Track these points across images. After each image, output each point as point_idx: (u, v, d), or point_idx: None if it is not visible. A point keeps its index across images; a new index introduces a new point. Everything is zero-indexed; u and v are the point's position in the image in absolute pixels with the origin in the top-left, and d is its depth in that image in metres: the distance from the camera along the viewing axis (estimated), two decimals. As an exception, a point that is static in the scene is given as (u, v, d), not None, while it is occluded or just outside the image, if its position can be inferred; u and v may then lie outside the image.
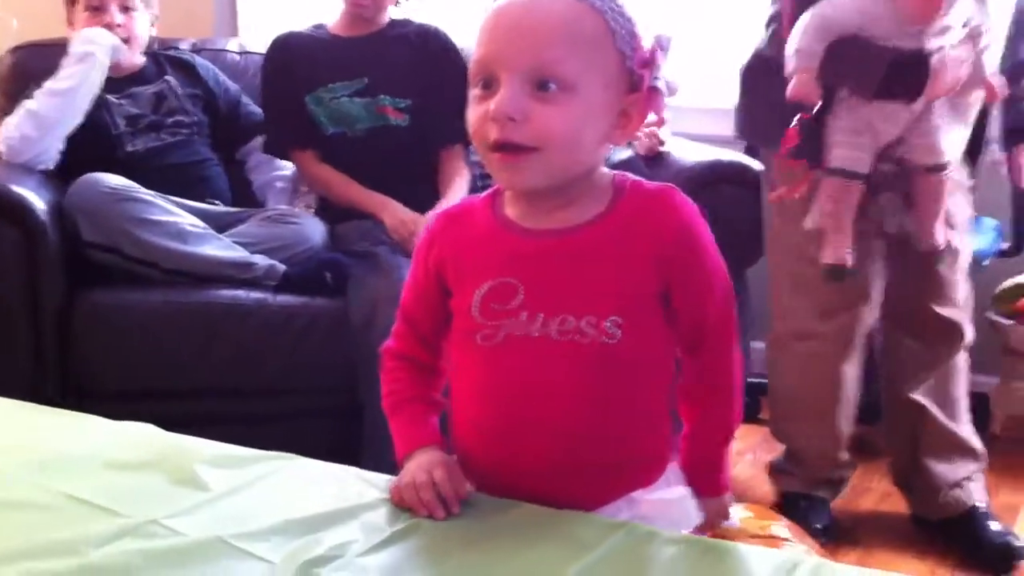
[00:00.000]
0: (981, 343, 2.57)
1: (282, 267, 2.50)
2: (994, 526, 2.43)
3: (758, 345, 2.66)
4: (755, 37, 2.53)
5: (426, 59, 2.70)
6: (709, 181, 2.62)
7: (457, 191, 2.63)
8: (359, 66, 2.67)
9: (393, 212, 2.56)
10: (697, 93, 3.18)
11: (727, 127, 2.87)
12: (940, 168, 2.18)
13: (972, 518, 2.44)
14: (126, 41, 2.75)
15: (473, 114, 1.19)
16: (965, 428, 2.49)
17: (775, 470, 2.59)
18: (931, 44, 2.07)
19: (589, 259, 1.20)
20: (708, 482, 1.31)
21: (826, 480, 2.54)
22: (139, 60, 2.83)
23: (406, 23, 2.75)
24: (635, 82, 1.20)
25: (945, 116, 2.17)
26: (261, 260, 2.50)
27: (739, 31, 3.11)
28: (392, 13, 2.76)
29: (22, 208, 2.40)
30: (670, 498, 1.27)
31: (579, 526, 1.16)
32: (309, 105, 2.67)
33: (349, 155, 2.65)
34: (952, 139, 2.20)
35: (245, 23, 3.62)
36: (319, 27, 2.76)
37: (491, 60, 1.17)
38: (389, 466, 1.32)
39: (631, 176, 1.25)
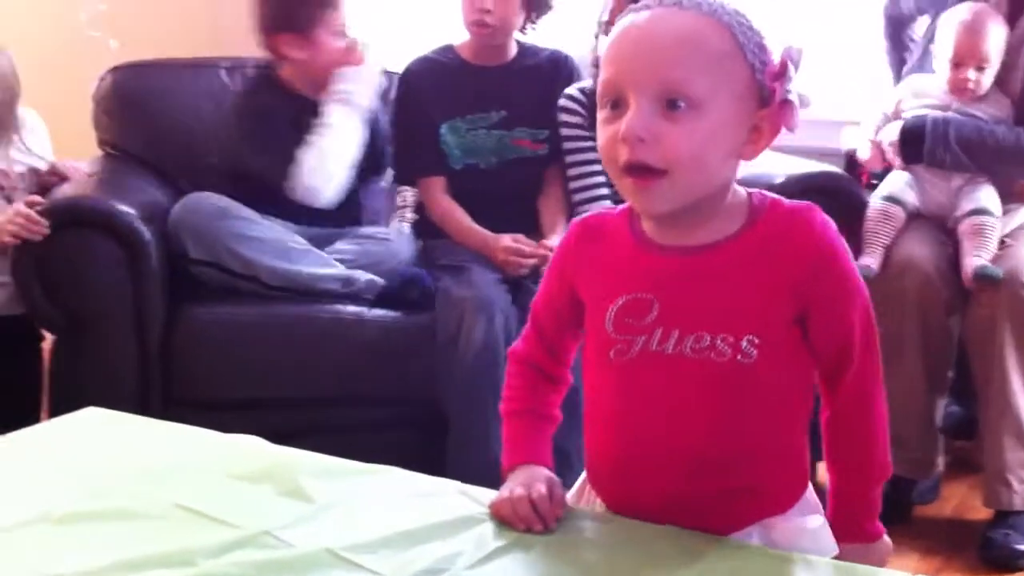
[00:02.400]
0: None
1: (381, 282, 2.53)
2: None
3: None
4: (846, 50, 2.63)
5: (559, 88, 2.68)
6: (800, 194, 2.57)
7: (550, 205, 2.64)
8: (496, 99, 2.67)
9: (495, 244, 2.56)
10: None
11: (819, 139, 2.85)
12: (978, 212, 2.50)
13: None
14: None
15: (603, 136, 1.17)
16: None
17: None
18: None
19: (726, 277, 1.18)
20: (856, 526, 1.25)
21: None
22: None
23: (536, 51, 2.73)
24: (766, 96, 1.18)
25: (987, 191, 2.54)
26: (361, 274, 2.53)
27: (828, 40, 3.09)
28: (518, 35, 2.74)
29: (127, 226, 2.46)
30: (805, 527, 1.23)
31: (693, 543, 1.16)
32: (444, 135, 2.68)
33: (479, 186, 2.66)
34: (991, 196, 2.54)
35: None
36: (447, 50, 2.75)
37: (619, 80, 1.16)
38: (473, 479, 1.33)
39: (769, 194, 1.23)
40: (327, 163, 2.60)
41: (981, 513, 2.54)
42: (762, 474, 1.22)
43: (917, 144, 2.55)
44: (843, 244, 1.20)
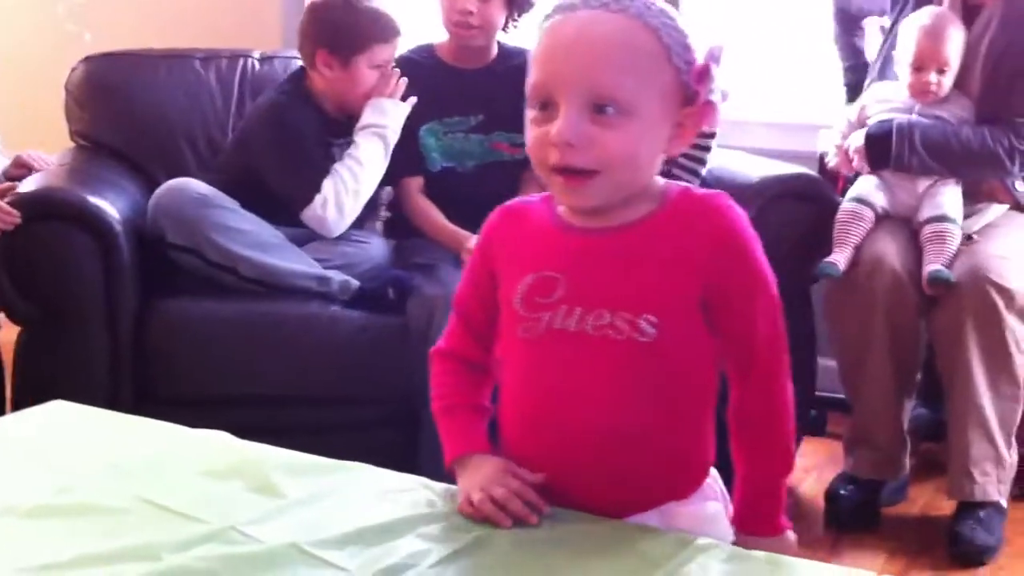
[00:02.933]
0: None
1: (356, 283, 2.53)
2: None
3: (825, 362, 2.65)
4: (820, 55, 2.64)
5: None
6: (777, 195, 2.60)
7: None
8: (475, 102, 2.66)
9: (464, 244, 2.56)
10: (763, 108, 3.18)
11: (793, 142, 2.87)
12: (939, 219, 2.54)
13: None
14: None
15: (531, 135, 1.20)
16: None
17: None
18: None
19: (630, 257, 1.21)
20: (763, 520, 1.25)
21: None
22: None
23: (517, 53, 2.70)
24: (690, 95, 1.21)
25: (950, 194, 2.58)
26: (336, 275, 2.53)
27: (804, 47, 3.11)
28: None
29: (97, 217, 2.44)
30: (704, 514, 1.26)
31: (648, 541, 1.16)
32: (423, 137, 2.67)
33: (457, 189, 2.66)
34: (953, 200, 2.58)
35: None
36: (426, 50, 2.73)
37: (548, 84, 1.18)
38: (444, 476, 1.33)
39: (683, 183, 1.26)
40: (347, 198, 2.58)
41: (948, 513, 2.56)
42: (664, 455, 1.23)
43: (883, 149, 2.58)
44: (753, 235, 1.22)
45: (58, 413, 1.52)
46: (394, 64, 2.66)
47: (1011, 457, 2.49)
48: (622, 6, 1.18)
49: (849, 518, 2.56)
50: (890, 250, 2.53)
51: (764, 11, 3.29)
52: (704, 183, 2.58)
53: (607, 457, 1.21)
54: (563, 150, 1.16)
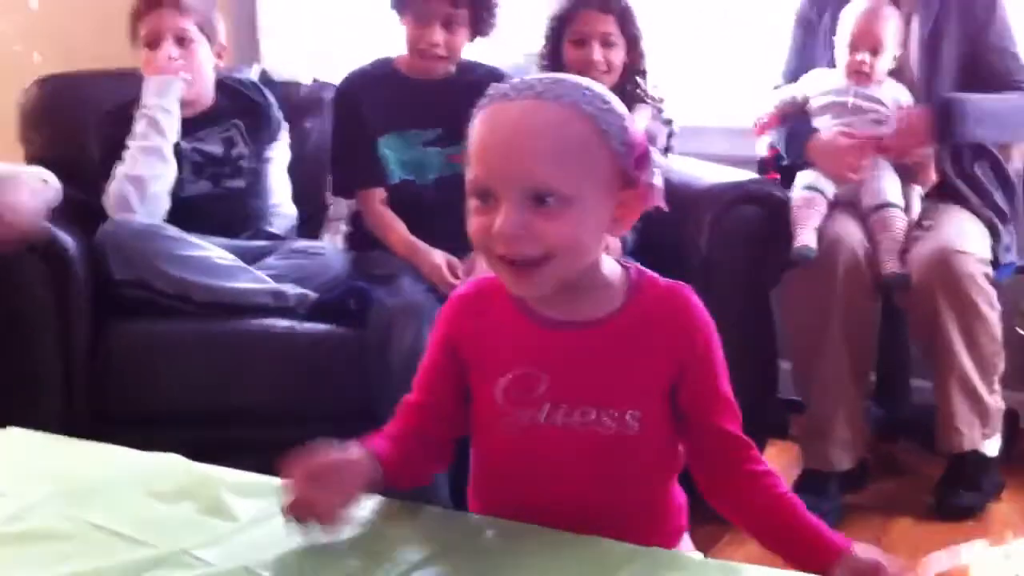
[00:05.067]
0: (1010, 358, 2.62)
1: (313, 295, 2.52)
2: None
3: (786, 365, 2.67)
4: (775, 58, 2.66)
5: None
6: (732, 201, 2.62)
7: None
8: (434, 115, 2.64)
9: (425, 258, 2.56)
10: (716, 113, 3.20)
11: (744, 147, 2.90)
12: (883, 206, 2.62)
13: None
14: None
15: (473, 225, 1.21)
16: None
17: None
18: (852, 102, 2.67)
19: (609, 353, 1.24)
20: (827, 546, 1.21)
21: None
22: (207, 97, 2.77)
23: (475, 67, 2.70)
24: (629, 178, 1.22)
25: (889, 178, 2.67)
26: (292, 289, 2.52)
27: (758, 52, 3.13)
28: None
29: (52, 244, 2.42)
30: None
31: (602, 550, 1.17)
32: (381, 149, 2.66)
33: (416, 202, 2.64)
34: (892, 185, 2.66)
35: (268, 48, 3.64)
36: (385, 63, 2.72)
37: (487, 179, 1.19)
38: (401, 493, 1.32)
39: (643, 270, 1.29)
40: (125, 184, 2.60)
41: (908, 511, 2.59)
42: (641, 527, 1.26)
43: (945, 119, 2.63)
44: (712, 323, 1.27)
45: (9, 440, 1.51)
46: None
47: (996, 403, 2.60)
48: (556, 95, 1.19)
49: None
50: (846, 231, 2.60)
51: (714, 15, 3.31)
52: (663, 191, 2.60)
53: (586, 529, 1.22)
54: (507, 243, 1.17)
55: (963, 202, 2.72)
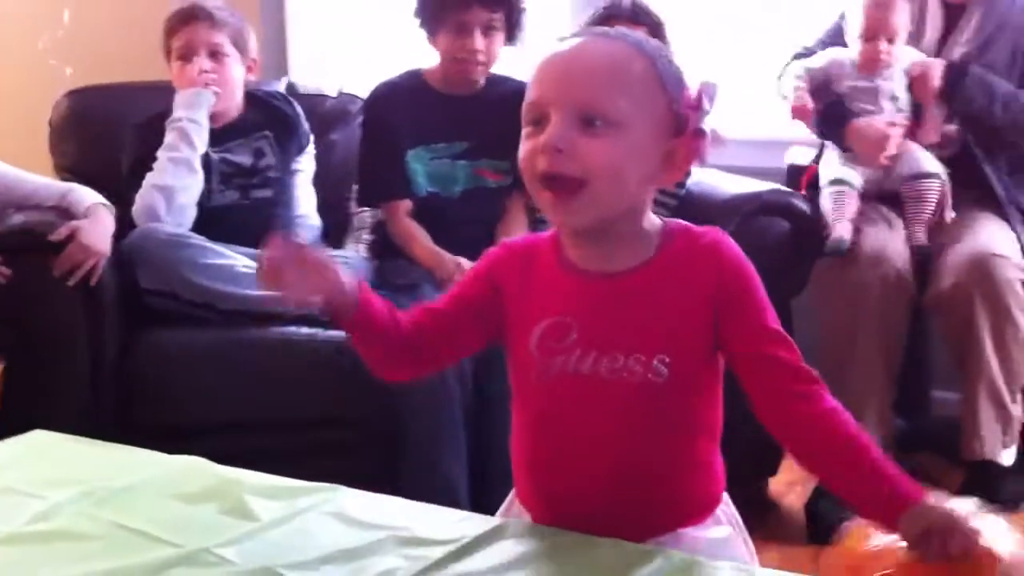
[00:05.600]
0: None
1: (335, 302, 2.54)
2: None
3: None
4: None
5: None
6: (752, 212, 2.63)
7: (511, 231, 2.65)
8: (462, 129, 2.67)
9: (448, 266, 2.57)
10: (737, 125, 3.20)
11: (766, 158, 2.90)
12: (919, 176, 2.66)
13: None
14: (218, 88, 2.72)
15: (523, 149, 1.23)
16: None
17: None
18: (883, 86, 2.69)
19: (639, 300, 1.24)
20: (897, 493, 1.14)
21: None
22: (237, 109, 2.80)
23: (505, 81, 2.71)
24: (681, 126, 1.24)
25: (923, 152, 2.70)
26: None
27: (779, 62, 3.13)
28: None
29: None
30: (718, 537, 1.28)
31: (616, 553, 1.18)
32: (409, 162, 2.68)
33: (442, 214, 2.66)
34: (927, 157, 2.69)
35: (295, 60, 3.68)
36: (415, 76, 2.74)
37: (542, 99, 1.22)
38: (425, 498, 1.35)
39: (681, 221, 1.29)
40: (154, 193, 2.64)
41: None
42: (677, 486, 1.27)
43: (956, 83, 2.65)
44: (750, 264, 1.26)
45: (36, 442, 1.54)
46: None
47: (1017, 412, 2.59)
48: (620, 34, 1.26)
49: (830, 531, 2.57)
50: (890, 245, 2.61)
51: (735, 26, 3.32)
52: (682, 202, 2.62)
53: (619, 491, 1.24)
54: (551, 156, 1.19)
55: (996, 208, 2.71)
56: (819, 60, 2.80)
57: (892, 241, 2.63)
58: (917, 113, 2.74)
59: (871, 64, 2.69)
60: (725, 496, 1.33)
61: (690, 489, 1.28)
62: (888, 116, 2.71)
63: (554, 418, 1.27)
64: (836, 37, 2.82)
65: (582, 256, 1.27)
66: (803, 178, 2.85)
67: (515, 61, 2.76)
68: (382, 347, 1.31)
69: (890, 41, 2.67)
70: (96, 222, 2.48)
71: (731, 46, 3.31)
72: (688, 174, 2.24)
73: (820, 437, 1.20)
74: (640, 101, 1.21)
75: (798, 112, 2.77)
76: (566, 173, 1.19)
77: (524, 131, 1.24)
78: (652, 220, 1.28)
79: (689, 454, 1.28)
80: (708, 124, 1.26)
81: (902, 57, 2.72)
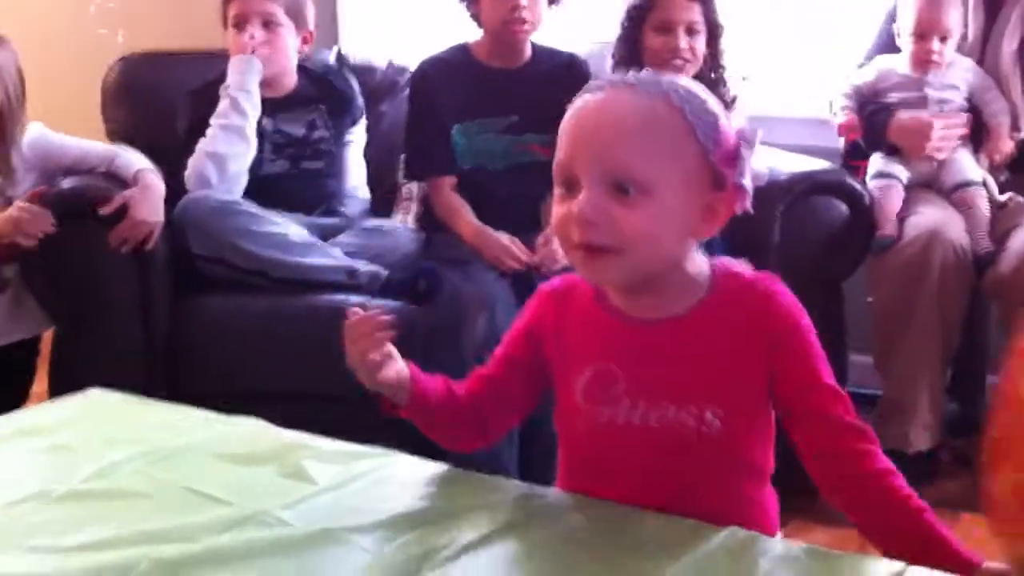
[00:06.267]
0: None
1: (385, 273, 2.54)
2: None
3: (857, 358, 2.65)
4: (851, 46, 2.72)
5: (570, 91, 2.66)
6: (804, 192, 2.60)
7: None
8: (508, 103, 2.65)
9: (492, 241, 2.56)
10: (789, 103, 3.18)
11: (820, 137, 2.87)
12: (964, 185, 2.64)
13: None
14: (267, 58, 2.73)
15: (556, 214, 1.21)
16: None
17: None
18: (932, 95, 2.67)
19: (688, 348, 1.21)
20: (957, 559, 1.15)
21: None
22: (290, 80, 2.82)
23: (552, 55, 2.71)
24: (718, 178, 1.19)
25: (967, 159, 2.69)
26: (364, 266, 2.55)
27: (832, 40, 3.10)
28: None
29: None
30: None
31: (680, 528, 1.17)
32: (455, 136, 2.67)
33: (488, 189, 2.65)
34: (970, 162, 2.69)
35: (345, 31, 3.67)
36: (461, 50, 2.73)
37: (571, 163, 1.19)
38: (474, 466, 1.35)
39: (730, 264, 1.26)
40: (205, 160, 2.66)
41: (977, 508, 2.54)
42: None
43: None
44: (803, 310, 1.23)
45: (95, 400, 1.55)
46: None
47: None
48: (648, 87, 1.19)
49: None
50: (945, 222, 2.58)
51: (789, 5, 3.28)
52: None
53: None
54: (583, 227, 1.16)
55: None
56: (866, 74, 2.78)
57: (951, 222, 2.60)
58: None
59: (923, 64, 2.67)
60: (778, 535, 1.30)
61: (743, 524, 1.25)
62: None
63: (603, 465, 1.25)
64: (884, 48, 2.80)
65: (624, 302, 1.25)
66: (851, 151, 2.84)
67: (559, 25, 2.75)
68: (442, 427, 1.34)
69: (942, 40, 2.64)
70: (146, 191, 2.48)
71: (787, 21, 3.28)
72: None
73: (874, 500, 1.19)
74: (672, 160, 1.17)
75: (845, 129, 2.76)
76: (601, 243, 1.16)
77: (556, 192, 1.21)
78: (699, 263, 1.24)
79: (742, 496, 1.26)
80: (747, 173, 1.20)
81: (954, 62, 2.69)
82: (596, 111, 1.19)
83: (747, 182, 1.20)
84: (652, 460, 1.22)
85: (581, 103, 1.21)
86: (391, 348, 1.29)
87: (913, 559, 1.13)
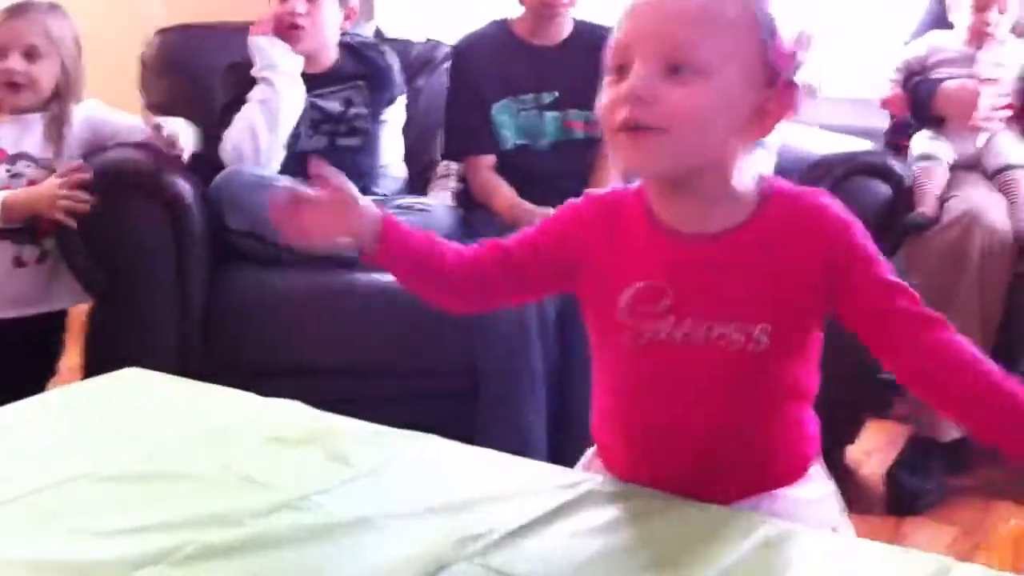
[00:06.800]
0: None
1: (420, 250, 2.53)
2: None
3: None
4: (897, 24, 2.71)
5: None
6: (844, 173, 2.58)
7: (602, 183, 2.61)
8: (550, 80, 2.64)
9: (530, 217, 2.55)
10: (833, 82, 3.13)
11: (863, 117, 2.84)
12: (1007, 168, 2.61)
13: None
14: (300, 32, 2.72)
15: (605, 97, 1.17)
16: None
17: None
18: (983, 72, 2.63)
19: (738, 265, 1.18)
20: None
21: None
22: (329, 56, 2.81)
23: (592, 29, 2.69)
24: (773, 77, 1.17)
25: (1012, 141, 2.66)
26: None
27: (877, 20, 3.06)
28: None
29: (172, 191, 2.46)
30: (811, 497, 1.25)
31: (722, 520, 1.16)
32: (495, 114, 2.66)
33: (531, 167, 2.63)
34: (1012, 145, 2.65)
35: (382, 5, 3.66)
36: (501, 26, 2.72)
37: (627, 44, 1.16)
38: (502, 448, 1.35)
39: (776, 180, 1.23)
40: (240, 134, 2.68)
41: (1011, 495, 2.54)
42: (771, 449, 1.23)
43: None
44: (856, 221, 1.20)
45: (133, 379, 1.55)
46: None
47: None
48: None
49: (910, 501, 2.54)
50: (986, 203, 2.55)
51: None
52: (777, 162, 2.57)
53: (712, 452, 1.21)
54: (632, 104, 1.13)
55: None
56: (917, 48, 2.76)
57: (993, 205, 2.56)
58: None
59: (979, 37, 2.64)
60: (818, 456, 1.29)
61: (784, 450, 1.25)
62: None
63: (646, 383, 1.23)
64: (931, 26, 2.79)
65: (672, 214, 1.21)
66: (897, 129, 2.83)
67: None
68: (430, 278, 1.29)
69: (1000, 11, 2.62)
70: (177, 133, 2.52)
71: (831, 2, 3.23)
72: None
73: (953, 365, 1.15)
74: (731, 48, 1.14)
75: (890, 104, 2.76)
76: (648, 122, 1.12)
77: (607, 79, 1.18)
78: (746, 180, 1.20)
79: (785, 416, 1.24)
80: (801, 77, 1.19)
81: (1007, 41, 2.67)
82: None
83: (800, 82, 1.18)
84: (696, 378, 1.19)
85: None
86: (349, 194, 1.24)
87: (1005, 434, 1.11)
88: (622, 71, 1.15)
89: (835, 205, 1.21)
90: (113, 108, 2.62)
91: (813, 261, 1.17)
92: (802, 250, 1.18)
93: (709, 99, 1.13)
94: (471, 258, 1.30)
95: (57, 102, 2.47)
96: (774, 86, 1.17)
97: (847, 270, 1.18)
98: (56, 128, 2.46)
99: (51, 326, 2.52)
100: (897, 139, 2.79)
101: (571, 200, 1.31)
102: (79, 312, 2.55)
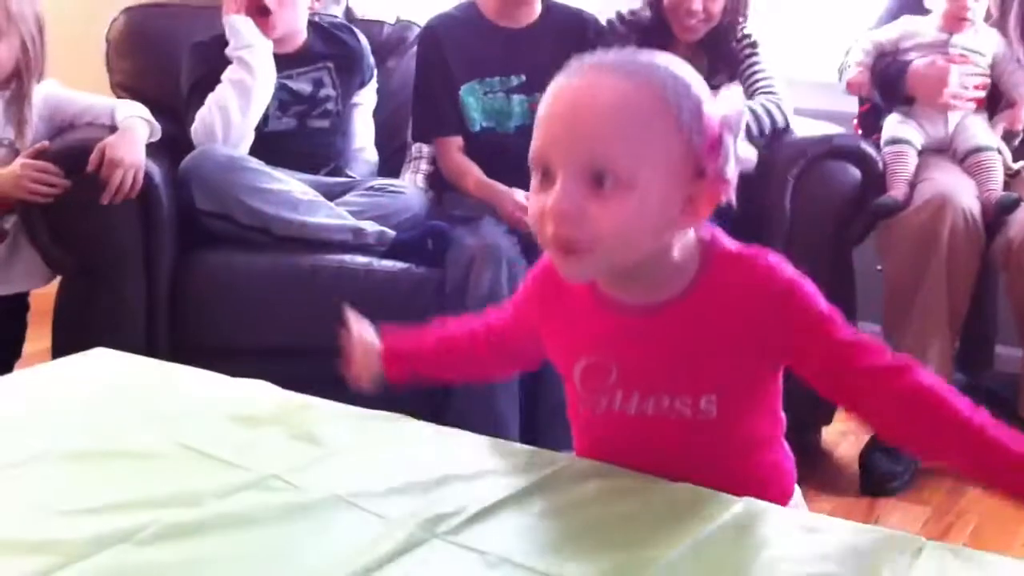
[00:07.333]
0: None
1: (392, 233, 2.52)
2: None
3: (868, 326, 2.63)
4: (866, 8, 2.63)
5: (581, 49, 2.64)
6: (817, 157, 2.58)
7: None
8: (518, 62, 2.63)
9: (504, 196, 2.54)
10: (804, 67, 3.14)
11: (834, 102, 2.85)
12: (977, 150, 2.63)
13: None
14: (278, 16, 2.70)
15: (532, 206, 1.15)
16: None
17: None
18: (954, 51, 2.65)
19: (680, 336, 1.16)
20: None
21: None
22: (299, 37, 2.79)
23: (561, 11, 2.68)
24: (700, 167, 1.12)
25: (981, 125, 2.69)
26: (371, 227, 2.52)
27: (848, 4, 3.06)
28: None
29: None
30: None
31: (697, 497, 1.15)
32: (463, 96, 2.65)
33: (499, 151, 2.62)
34: (984, 128, 2.69)
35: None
36: (470, 7, 2.71)
37: (546, 152, 1.12)
38: (473, 430, 1.34)
39: (720, 240, 1.19)
40: (212, 112, 2.65)
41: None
42: (743, 493, 1.18)
43: None
44: (800, 279, 1.16)
45: (100, 360, 1.53)
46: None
47: None
48: (629, 69, 1.12)
49: (883, 483, 2.55)
50: (956, 188, 2.55)
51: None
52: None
53: None
54: (557, 222, 1.10)
55: None
56: (890, 32, 2.75)
57: (962, 188, 2.57)
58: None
59: (955, 22, 2.65)
60: (796, 491, 1.29)
61: (759, 494, 1.20)
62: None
63: (609, 444, 1.24)
64: (898, 11, 2.79)
65: (615, 289, 1.20)
66: (865, 118, 2.83)
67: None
68: (443, 373, 1.45)
69: None
70: (123, 135, 2.43)
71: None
72: None
73: (947, 436, 1.11)
74: (652, 148, 1.09)
75: (854, 87, 2.75)
76: (576, 241, 1.10)
77: (533, 180, 1.15)
78: (688, 246, 1.16)
79: (754, 464, 1.24)
80: (731, 162, 1.12)
81: (981, 29, 2.69)
82: (572, 97, 1.11)
83: (730, 171, 1.12)
84: (654, 443, 1.20)
85: (557, 88, 1.14)
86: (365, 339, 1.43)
87: (991, 476, 1.11)
88: (547, 175, 1.13)
89: (781, 266, 1.17)
90: (73, 88, 2.57)
91: (761, 327, 1.15)
92: (749, 316, 1.15)
93: (634, 212, 1.09)
94: (468, 336, 1.40)
95: (18, 81, 2.43)
96: (703, 176, 1.12)
97: (799, 334, 1.15)
98: (18, 107, 2.42)
99: (13, 307, 2.48)
100: (865, 125, 2.80)
101: (531, 270, 1.31)
102: (49, 296, 2.52)
